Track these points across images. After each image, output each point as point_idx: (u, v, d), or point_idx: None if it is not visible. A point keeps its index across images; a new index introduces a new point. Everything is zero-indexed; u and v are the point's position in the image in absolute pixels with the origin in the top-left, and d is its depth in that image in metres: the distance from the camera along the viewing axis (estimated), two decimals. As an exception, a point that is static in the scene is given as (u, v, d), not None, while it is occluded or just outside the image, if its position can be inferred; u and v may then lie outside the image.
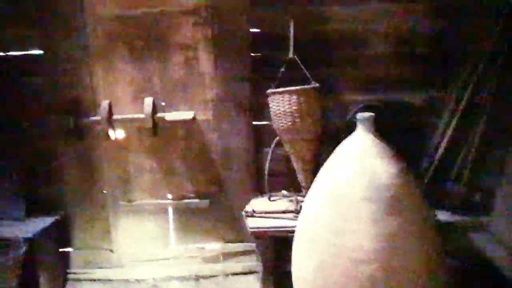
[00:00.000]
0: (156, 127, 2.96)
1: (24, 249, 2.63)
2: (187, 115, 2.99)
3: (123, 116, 2.99)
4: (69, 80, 2.99)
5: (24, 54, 2.99)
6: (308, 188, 2.65)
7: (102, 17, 2.96)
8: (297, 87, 2.66)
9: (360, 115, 1.98)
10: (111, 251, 3.19)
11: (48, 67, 2.98)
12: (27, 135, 3.04)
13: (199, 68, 3.01)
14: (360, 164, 1.79)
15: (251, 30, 2.93)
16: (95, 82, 3.02)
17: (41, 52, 2.98)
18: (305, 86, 2.68)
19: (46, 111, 3.01)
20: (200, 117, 3.05)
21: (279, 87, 2.71)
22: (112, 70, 3.02)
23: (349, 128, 2.12)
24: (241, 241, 3.15)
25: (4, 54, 2.99)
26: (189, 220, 3.17)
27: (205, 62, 3.01)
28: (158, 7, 2.94)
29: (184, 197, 3.15)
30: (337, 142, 2.08)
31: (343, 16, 2.91)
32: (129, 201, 3.16)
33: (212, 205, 3.14)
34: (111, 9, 2.95)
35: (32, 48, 2.99)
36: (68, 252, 3.16)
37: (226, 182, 3.11)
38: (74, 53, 2.96)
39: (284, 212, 2.74)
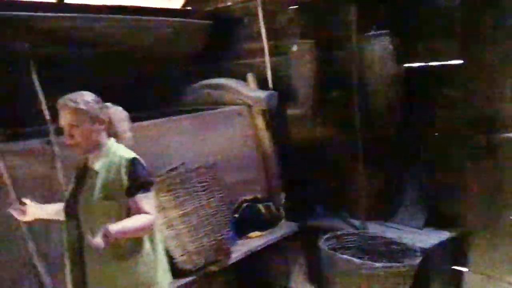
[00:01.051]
0: None
1: (419, 259, 2.64)
2: None
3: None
4: (486, 92, 2.78)
5: (443, 64, 2.97)
6: None
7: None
8: None
9: None
10: (513, 285, 2.83)
11: (465, 78, 2.86)
12: (435, 148, 3.04)
13: None
14: None
15: None
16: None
17: (460, 62, 2.88)
18: None
19: (456, 124, 2.91)
20: None
21: None
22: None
23: None
24: None
25: (424, 64, 3.05)
26: None
27: None
28: None
29: None
30: None
31: None
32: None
33: None
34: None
35: (451, 58, 2.93)
36: (461, 272, 3.01)
37: None
38: (495, 63, 2.73)
39: None
